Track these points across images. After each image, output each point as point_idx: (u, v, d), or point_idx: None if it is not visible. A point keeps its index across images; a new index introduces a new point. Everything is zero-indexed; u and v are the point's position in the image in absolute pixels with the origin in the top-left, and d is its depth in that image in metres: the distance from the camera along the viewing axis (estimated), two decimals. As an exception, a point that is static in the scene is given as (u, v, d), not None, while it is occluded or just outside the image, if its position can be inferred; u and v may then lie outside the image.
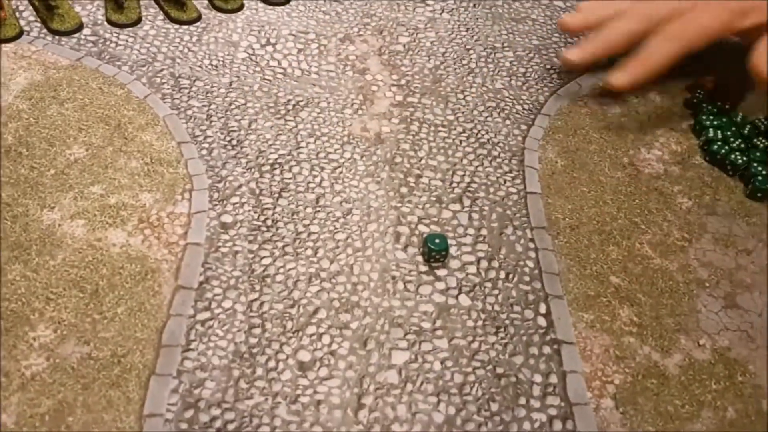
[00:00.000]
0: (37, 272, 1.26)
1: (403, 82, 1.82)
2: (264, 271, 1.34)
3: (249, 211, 1.45)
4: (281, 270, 1.34)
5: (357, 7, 2.02)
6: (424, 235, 1.39)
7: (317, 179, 1.55)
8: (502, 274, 1.39)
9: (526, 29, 2.05)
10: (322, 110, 1.71)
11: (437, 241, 1.36)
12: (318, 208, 1.48)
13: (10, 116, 1.52)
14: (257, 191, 1.49)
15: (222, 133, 1.59)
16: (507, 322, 1.31)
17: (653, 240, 1.51)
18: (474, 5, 2.10)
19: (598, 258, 1.45)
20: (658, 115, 1.80)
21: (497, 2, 2.13)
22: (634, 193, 1.61)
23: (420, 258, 1.39)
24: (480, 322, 1.30)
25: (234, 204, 1.45)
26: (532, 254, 1.43)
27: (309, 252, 1.39)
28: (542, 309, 1.33)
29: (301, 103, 1.71)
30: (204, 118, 1.62)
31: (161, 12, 1.86)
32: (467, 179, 1.58)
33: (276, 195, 1.49)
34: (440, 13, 2.05)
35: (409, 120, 1.71)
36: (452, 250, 1.41)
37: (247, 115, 1.65)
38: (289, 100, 1.71)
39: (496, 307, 1.32)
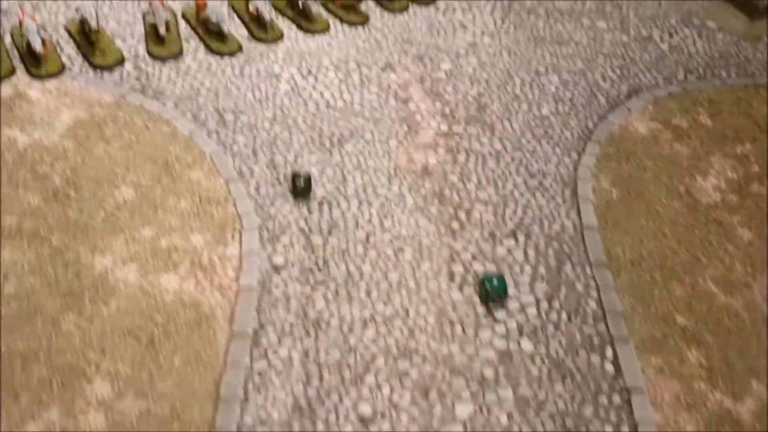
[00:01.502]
0: (92, 321, 1.24)
1: (447, 110, 1.78)
2: (318, 315, 1.31)
3: (300, 251, 1.42)
4: (335, 314, 1.31)
5: (396, 34, 1.99)
6: (481, 275, 1.36)
7: (366, 215, 1.51)
8: (564, 316, 1.34)
9: (570, 52, 2.00)
10: (367, 142, 1.68)
11: (495, 281, 1.32)
12: (368, 246, 1.45)
13: (56, 156, 1.51)
14: (307, 230, 1.46)
15: (269, 169, 1.57)
16: (573, 369, 1.26)
17: (716, 275, 1.45)
18: (515, 28, 2.06)
19: (662, 296, 1.40)
20: (710, 139, 1.75)
21: (539, 24, 2.08)
22: (692, 224, 1.56)
23: (477, 299, 1.35)
24: (545, 370, 1.25)
25: (284, 244, 1.42)
26: (594, 293, 1.39)
27: (362, 294, 1.35)
28: (608, 353, 1.28)
29: (346, 136, 1.68)
30: (250, 153, 1.59)
31: (202, 44, 1.84)
32: (520, 212, 1.54)
33: (326, 233, 1.46)
34: (481, 38, 2.01)
35: (455, 150, 1.68)
36: (510, 290, 1.37)
37: (293, 150, 1.62)
38: (333, 133, 1.68)
39: (561, 353, 1.28)
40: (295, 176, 1.50)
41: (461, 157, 1.65)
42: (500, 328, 1.31)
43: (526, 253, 1.45)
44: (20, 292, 1.26)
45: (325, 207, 1.50)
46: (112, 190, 1.46)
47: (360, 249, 1.43)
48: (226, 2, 1.97)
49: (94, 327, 1.24)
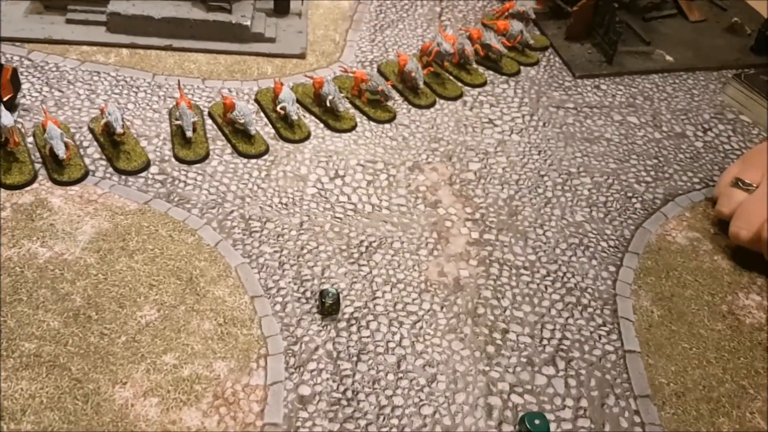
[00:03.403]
0: (111, 465, 1.18)
1: (477, 215, 1.74)
2: (349, 457, 1.24)
3: (327, 379, 1.36)
4: (367, 456, 1.25)
5: (423, 131, 1.96)
6: (522, 414, 1.29)
7: (396, 337, 1.45)
8: (609, 460, 1.27)
9: (601, 150, 1.96)
10: (396, 252, 1.62)
11: (537, 422, 1.25)
12: (400, 374, 1.38)
13: (77, 273, 1.47)
14: (335, 354, 1.40)
15: (295, 284, 1.52)
16: None
17: (764, 408, 1.38)
18: (543, 125, 2.03)
19: (709, 434, 1.33)
20: (751, 252, 1.68)
21: (568, 120, 2.05)
22: (737, 349, 1.48)
23: (516, 439, 1.28)
24: None
25: (311, 372, 1.36)
26: (639, 430, 1.31)
27: None
28: (658, 507, 1.20)
29: (374, 244, 1.63)
30: (276, 266, 1.55)
31: (229, 145, 1.82)
32: (558, 335, 1.48)
33: (354, 358, 1.40)
34: (509, 135, 1.98)
35: (487, 261, 1.62)
36: (551, 426, 1.30)
37: (320, 261, 1.57)
38: (362, 241, 1.63)
39: (608, 507, 1.21)
40: (323, 294, 1.45)
41: (494, 270, 1.59)
42: (543, 476, 1.24)
43: (567, 383, 1.38)
44: (39, 430, 1.20)
45: (354, 327, 1.45)
46: (135, 311, 1.41)
47: (391, 377, 1.37)
48: (253, 100, 1.97)
49: (113, 472, 1.18)
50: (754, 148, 1.80)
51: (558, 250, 1.64)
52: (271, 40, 2.14)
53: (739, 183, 1.70)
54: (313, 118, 1.94)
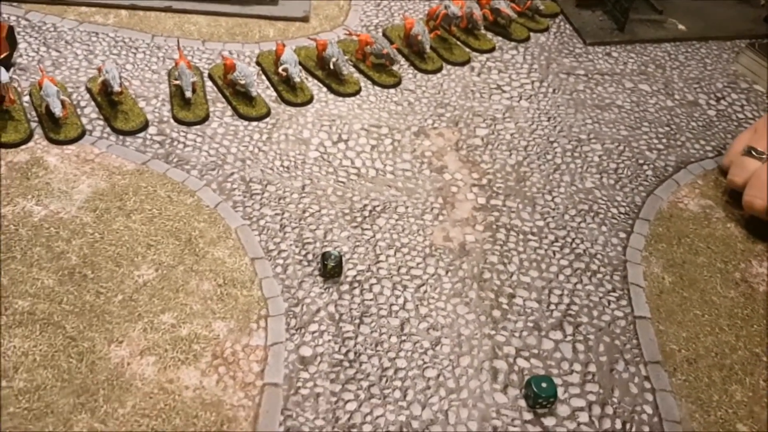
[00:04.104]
0: (105, 423, 1.14)
1: (484, 181, 1.69)
2: (349, 419, 1.20)
3: (329, 341, 1.32)
4: (368, 418, 1.20)
5: (430, 96, 1.91)
6: (528, 378, 1.25)
7: (400, 300, 1.41)
8: (618, 424, 1.23)
9: (612, 117, 1.91)
10: (400, 216, 1.58)
11: (544, 385, 1.21)
12: (403, 337, 1.34)
13: (73, 231, 1.43)
14: (337, 316, 1.36)
15: (297, 246, 1.48)
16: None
17: (779, 375, 1.34)
18: (554, 91, 1.97)
19: (721, 400, 1.28)
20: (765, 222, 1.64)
21: (578, 87, 1.99)
22: (751, 316, 1.44)
23: (523, 402, 1.24)
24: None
25: (313, 333, 1.33)
26: (649, 396, 1.27)
27: (397, 394, 1.25)
28: (669, 473, 1.17)
29: (378, 209, 1.59)
30: (277, 228, 1.51)
31: (230, 107, 1.77)
32: (566, 300, 1.44)
33: (357, 321, 1.36)
34: (518, 101, 1.93)
35: (494, 227, 1.58)
36: (558, 391, 1.26)
37: (322, 224, 1.53)
38: (365, 205, 1.59)
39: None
40: (325, 256, 1.41)
41: (501, 235, 1.55)
42: (550, 440, 1.20)
43: (575, 348, 1.34)
44: (31, 388, 1.17)
45: (357, 290, 1.41)
46: (132, 271, 1.37)
47: (394, 340, 1.33)
48: (254, 63, 1.93)
49: (108, 429, 1.14)
50: (766, 116, 1.76)
51: (567, 216, 1.60)
52: (274, 3, 2.09)
53: (752, 152, 1.66)
54: (316, 81, 1.89)
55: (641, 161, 1.76)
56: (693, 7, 2.36)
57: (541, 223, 1.58)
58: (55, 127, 1.61)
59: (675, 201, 1.67)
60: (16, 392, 1.17)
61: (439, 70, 1.97)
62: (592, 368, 1.30)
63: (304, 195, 1.58)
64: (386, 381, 1.26)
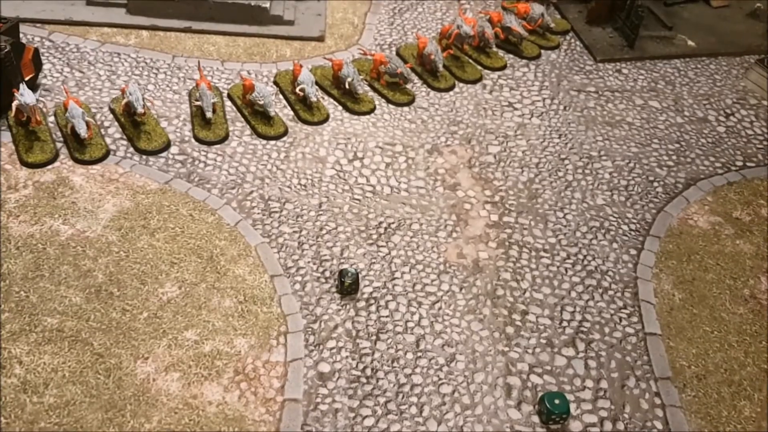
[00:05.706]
0: (133, 438, 1.19)
1: (497, 198, 1.73)
2: (368, 433, 1.24)
3: (347, 357, 1.36)
4: (386, 433, 1.25)
5: (443, 114, 1.95)
6: (541, 394, 1.28)
7: (415, 317, 1.45)
8: (629, 441, 1.26)
9: (623, 134, 1.94)
10: (415, 233, 1.62)
11: (557, 401, 1.25)
12: (419, 353, 1.38)
13: (99, 250, 1.48)
14: (354, 333, 1.40)
15: (314, 263, 1.52)
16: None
17: (788, 392, 1.37)
18: (565, 108, 2.01)
19: (730, 416, 1.31)
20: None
21: (589, 104, 2.03)
22: (759, 333, 1.47)
23: (536, 418, 1.28)
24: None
25: (331, 349, 1.37)
26: (660, 412, 1.30)
27: (413, 410, 1.28)
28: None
29: (393, 226, 1.63)
30: (295, 246, 1.55)
31: (248, 126, 1.82)
32: (578, 317, 1.47)
33: (374, 337, 1.40)
34: (529, 118, 1.96)
35: (507, 244, 1.61)
36: (571, 407, 1.29)
37: (339, 241, 1.57)
38: (380, 223, 1.63)
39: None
40: (342, 273, 1.45)
41: (514, 252, 1.59)
42: (562, 455, 1.23)
43: (587, 364, 1.37)
44: (61, 403, 1.21)
45: (373, 307, 1.45)
46: (156, 288, 1.42)
47: (410, 356, 1.37)
48: (272, 82, 1.97)
49: (135, 445, 1.19)
50: None
51: (578, 233, 1.63)
52: (290, 23, 2.14)
53: None
54: (331, 100, 1.93)
55: (651, 178, 1.79)
56: (702, 23, 2.38)
57: (553, 240, 1.61)
58: (81, 147, 1.66)
59: (685, 218, 1.70)
60: (46, 407, 1.21)
61: (451, 88, 2.01)
62: (604, 384, 1.33)
63: (321, 212, 1.62)
64: (403, 397, 1.30)
